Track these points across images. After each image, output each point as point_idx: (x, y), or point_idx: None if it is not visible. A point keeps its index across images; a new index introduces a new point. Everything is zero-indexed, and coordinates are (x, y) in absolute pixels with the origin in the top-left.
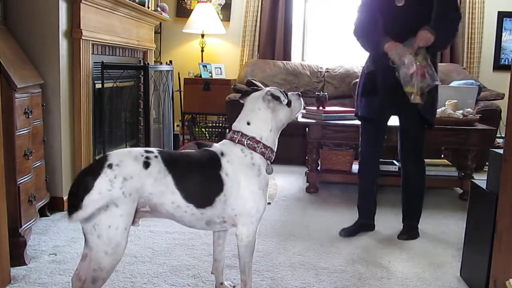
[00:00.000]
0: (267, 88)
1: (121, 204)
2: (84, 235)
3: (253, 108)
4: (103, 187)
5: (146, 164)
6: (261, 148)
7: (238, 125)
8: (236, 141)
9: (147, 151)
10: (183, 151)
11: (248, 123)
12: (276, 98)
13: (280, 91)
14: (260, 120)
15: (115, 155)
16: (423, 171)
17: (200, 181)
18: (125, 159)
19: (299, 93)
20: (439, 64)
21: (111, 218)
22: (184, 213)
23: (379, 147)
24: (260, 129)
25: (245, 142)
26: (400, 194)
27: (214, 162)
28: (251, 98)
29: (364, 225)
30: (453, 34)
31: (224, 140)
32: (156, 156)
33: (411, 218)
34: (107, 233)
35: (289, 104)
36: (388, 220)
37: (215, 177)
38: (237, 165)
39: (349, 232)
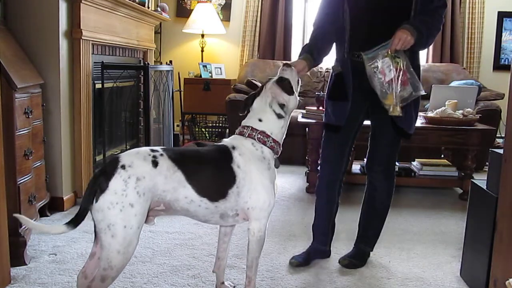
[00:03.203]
0: (268, 93)
1: (136, 204)
2: (96, 234)
3: (264, 109)
4: (118, 187)
5: (155, 163)
6: (270, 142)
7: (249, 121)
8: (246, 135)
9: (152, 150)
10: (187, 147)
11: (260, 120)
12: (281, 106)
13: (280, 94)
14: (272, 119)
15: (126, 156)
16: (391, 189)
17: (211, 174)
18: (135, 160)
19: (286, 63)
20: (439, 64)
21: (126, 218)
22: (198, 207)
23: (344, 162)
24: (272, 126)
25: (256, 136)
26: (401, 194)
27: (225, 155)
28: (259, 102)
29: (317, 251)
30: (438, 28)
31: (233, 135)
32: (161, 154)
33: (365, 243)
34: (122, 233)
35: (290, 91)
36: (388, 220)
37: (226, 169)
38: (249, 158)
39: (300, 260)
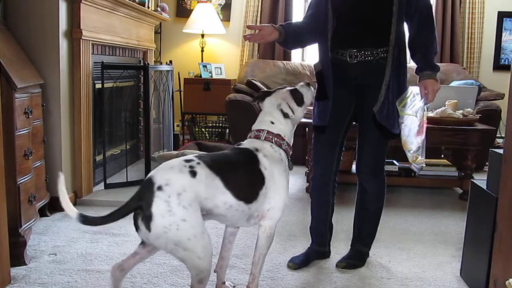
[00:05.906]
0: (279, 95)
1: (188, 217)
2: (142, 240)
3: (273, 110)
4: (162, 210)
5: (193, 173)
6: (285, 145)
7: (262, 124)
8: (263, 138)
9: (187, 161)
10: (217, 153)
11: (272, 122)
12: (285, 115)
13: (290, 101)
14: (282, 120)
15: (160, 175)
16: (382, 190)
17: (245, 177)
18: (171, 176)
19: (307, 82)
20: (439, 64)
21: (187, 233)
22: (235, 211)
23: (335, 162)
24: (284, 128)
25: (273, 139)
26: (401, 194)
27: (252, 158)
28: (268, 102)
29: (316, 252)
30: (435, 37)
31: (249, 139)
32: (198, 163)
33: (361, 243)
34: (191, 245)
35: (301, 102)
36: (387, 220)
37: (256, 171)
38: (271, 160)
39: (299, 263)
